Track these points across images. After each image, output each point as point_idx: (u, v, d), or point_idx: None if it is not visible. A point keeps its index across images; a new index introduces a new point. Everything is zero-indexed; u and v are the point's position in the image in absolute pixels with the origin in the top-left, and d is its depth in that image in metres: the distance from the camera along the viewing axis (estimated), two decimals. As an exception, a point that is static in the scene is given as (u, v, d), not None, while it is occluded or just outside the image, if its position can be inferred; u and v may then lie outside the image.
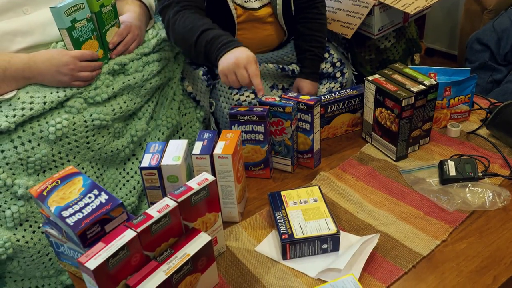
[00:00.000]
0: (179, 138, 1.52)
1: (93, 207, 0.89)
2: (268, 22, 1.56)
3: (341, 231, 1.03)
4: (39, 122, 1.18)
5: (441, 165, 1.22)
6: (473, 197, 1.13)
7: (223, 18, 1.48)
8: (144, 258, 0.87)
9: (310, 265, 1.00)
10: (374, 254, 1.01)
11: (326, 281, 0.95)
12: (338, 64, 1.68)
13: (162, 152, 1.08)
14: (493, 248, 1.01)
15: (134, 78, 1.33)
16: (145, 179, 1.06)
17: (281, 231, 1.02)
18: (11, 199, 1.16)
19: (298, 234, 1.01)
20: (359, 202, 1.17)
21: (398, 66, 1.38)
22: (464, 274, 0.95)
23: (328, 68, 1.66)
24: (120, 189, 1.36)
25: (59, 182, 0.95)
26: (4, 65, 1.14)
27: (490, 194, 1.13)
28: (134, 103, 1.35)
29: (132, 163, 1.40)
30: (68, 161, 1.25)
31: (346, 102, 1.42)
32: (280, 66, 1.61)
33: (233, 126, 1.22)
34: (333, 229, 1.01)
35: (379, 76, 1.34)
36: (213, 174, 1.08)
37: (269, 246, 1.07)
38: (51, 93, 1.20)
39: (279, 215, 1.07)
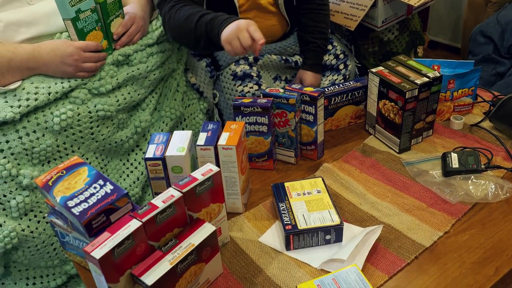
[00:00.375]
0: (183, 129, 1.52)
1: (99, 197, 0.89)
2: (271, 12, 1.55)
3: (344, 222, 1.04)
4: (43, 113, 1.19)
5: (444, 157, 1.22)
6: (475, 189, 1.13)
7: (226, 8, 1.48)
8: (149, 247, 0.88)
9: (313, 256, 1.01)
10: (377, 245, 1.01)
11: (329, 272, 0.95)
12: (341, 56, 1.68)
13: (167, 143, 1.08)
14: (495, 240, 1.01)
15: (138, 69, 1.34)
16: (149, 169, 1.06)
17: (285, 222, 1.03)
18: (16, 189, 1.17)
19: (301, 225, 1.01)
20: (362, 193, 1.18)
21: (402, 58, 1.38)
22: (467, 265, 0.96)
23: (331, 60, 1.66)
24: (124, 180, 1.37)
25: (64, 172, 0.96)
26: (9, 56, 1.14)
27: (493, 186, 1.13)
28: (138, 94, 1.35)
29: (136, 154, 1.40)
30: (73, 151, 1.25)
31: (350, 94, 1.42)
32: (284, 57, 1.61)
33: (237, 118, 1.23)
34: (336, 220, 1.02)
35: (383, 68, 1.34)
36: (217, 165, 1.08)
37: (272, 236, 1.07)
38: (56, 84, 1.21)
39: (282, 206, 1.08)
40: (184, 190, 0.91)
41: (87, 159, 1.29)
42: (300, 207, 1.07)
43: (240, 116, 1.22)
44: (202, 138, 1.08)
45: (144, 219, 0.85)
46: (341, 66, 1.67)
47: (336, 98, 1.41)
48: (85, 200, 0.89)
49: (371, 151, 1.34)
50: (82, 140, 1.26)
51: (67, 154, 1.25)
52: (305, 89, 1.25)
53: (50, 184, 0.93)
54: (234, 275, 0.99)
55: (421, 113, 1.30)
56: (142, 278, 0.83)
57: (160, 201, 0.89)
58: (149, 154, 1.05)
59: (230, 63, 1.56)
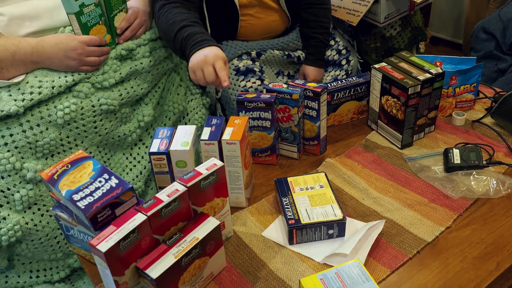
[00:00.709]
0: (185, 123, 1.53)
1: (104, 191, 0.90)
2: (272, 8, 1.56)
3: (347, 217, 1.04)
4: (47, 106, 1.19)
5: (446, 153, 1.23)
6: (477, 184, 1.14)
7: (225, 6, 1.48)
8: (154, 241, 0.89)
9: (316, 250, 1.02)
10: (379, 240, 1.02)
11: (332, 266, 0.96)
12: (343, 51, 1.68)
13: (171, 138, 1.09)
14: (496, 235, 1.02)
15: (141, 63, 1.34)
16: (154, 164, 1.07)
17: (288, 217, 1.03)
18: (20, 183, 1.17)
19: (304, 220, 1.02)
20: (365, 188, 1.19)
21: (404, 54, 1.39)
22: (468, 260, 0.96)
23: (334, 55, 1.67)
24: (127, 173, 1.37)
25: (69, 166, 0.96)
26: (13, 49, 1.14)
27: (494, 182, 1.14)
28: (141, 89, 1.36)
29: (139, 148, 1.41)
30: (76, 145, 1.26)
31: (352, 89, 1.42)
32: (286, 52, 1.61)
33: (240, 113, 1.23)
34: (339, 215, 1.03)
35: (386, 64, 1.34)
36: (221, 159, 1.09)
37: (275, 231, 1.08)
38: (59, 78, 1.21)
39: (285, 200, 1.08)
40: (188, 185, 0.91)
41: (90, 152, 1.29)
42: (303, 202, 1.07)
43: (243, 111, 1.23)
44: (206, 132, 1.09)
45: (149, 213, 0.86)
46: (343, 62, 1.67)
47: (339, 93, 1.41)
48: (91, 194, 0.89)
49: (374, 147, 1.34)
50: (86, 134, 1.26)
51: (70, 148, 1.25)
52: (308, 84, 1.26)
53: (56, 178, 0.94)
54: (238, 269, 1.00)
55: (424, 109, 1.31)
56: (147, 271, 0.84)
57: (165, 195, 0.89)
58: (154, 149, 1.06)
59: (233, 58, 1.56)
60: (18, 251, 1.24)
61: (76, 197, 0.89)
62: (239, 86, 1.51)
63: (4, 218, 1.15)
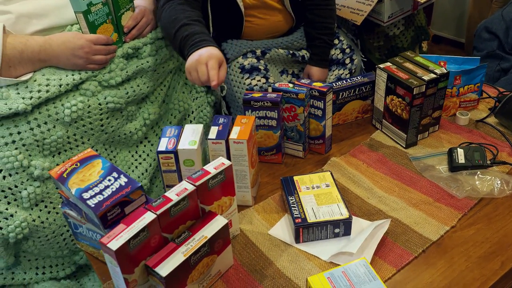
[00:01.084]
0: (190, 122, 1.53)
1: (113, 190, 0.91)
2: (276, 9, 1.56)
3: (352, 216, 1.05)
4: (54, 105, 1.20)
5: (451, 153, 1.24)
6: (482, 184, 1.15)
7: (230, 7, 1.49)
8: (163, 239, 0.90)
9: (322, 249, 1.03)
10: (384, 239, 1.03)
11: (338, 265, 0.97)
12: (347, 50, 1.69)
13: (178, 137, 1.09)
14: (501, 234, 1.03)
15: (147, 62, 1.34)
16: (161, 162, 1.08)
17: (295, 215, 1.04)
18: (27, 180, 1.18)
19: (311, 219, 1.03)
20: (370, 187, 1.19)
21: (409, 54, 1.39)
22: (473, 259, 0.98)
23: (338, 54, 1.67)
24: (133, 171, 1.38)
25: (79, 164, 0.97)
26: (21, 47, 1.15)
27: (499, 181, 1.15)
28: (147, 87, 1.36)
29: (144, 146, 1.42)
30: (83, 143, 1.26)
31: (357, 89, 1.43)
32: (291, 51, 1.62)
33: (246, 112, 1.24)
34: (345, 214, 1.04)
35: (391, 64, 1.35)
36: (228, 158, 1.10)
37: (282, 229, 1.09)
38: (67, 76, 1.21)
39: (292, 199, 1.09)
40: (197, 183, 0.92)
41: (96, 150, 1.30)
42: (309, 201, 1.08)
43: (250, 110, 1.23)
44: (213, 132, 1.10)
45: (158, 212, 0.87)
46: (347, 61, 1.68)
47: (344, 93, 1.42)
48: (100, 193, 0.90)
49: (378, 146, 1.35)
50: (92, 131, 1.27)
51: (77, 146, 1.26)
52: (314, 84, 1.26)
53: (65, 176, 0.95)
54: (245, 267, 1.01)
55: (428, 109, 1.31)
56: (157, 269, 0.85)
57: (174, 194, 0.90)
58: (162, 147, 1.07)
59: (238, 56, 1.57)
60: (24, 248, 1.25)
61: (86, 195, 0.90)
62: (244, 84, 1.52)
63: (12, 215, 1.16)
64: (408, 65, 1.33)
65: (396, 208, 1.12)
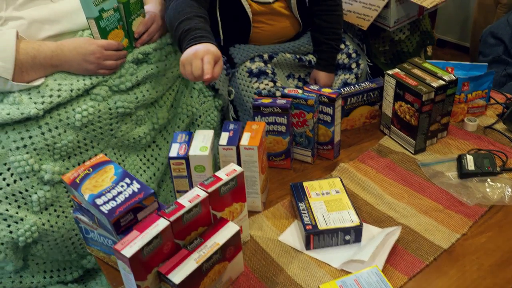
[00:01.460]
0: (198, 126, 1.54)
1: (126, 196, 0.91)
2: (284, 15, 1.57)
3: (363, 223, 1.05)
4: (66, 109, 1.20)
5: (460, 159, 1.24)
6: (492, 191, 1.15)
7: (238, 13, 1.49)
8: (175, 246, 0.90)
9: (333, 256, 1.03)
10: (395, 246, 1.03)
11: (349, 272, 0.97)
12: (353, 55, 1.69)
13: (189, 142, 1.10)
14: (512, 243, 1.03)
15: (157, 67, 1.35)
16: (172, 168, 1.08)
17: (305, 222, 1.04)
18: (37, 184, 1.18)
19: (321, 225, 1.03)
20: (379, 194, 1.20)
21: (417, 60, 1.40)
22: (485, 268, 0.97)
23: (344, 59, 1.68)
24: (141, 175, 1.38)
25: (91, 170, 0.97)
26: (33, 53, 1.15)
27: (509, 189, 1.15)
28: (156, 91, 1.37)
29: (153, 150, 1.42)
30: (92, 147, 1.27)
31: (365, 95, 1.43)
32: (298, 56, 1.63)
33: (256, 117, 1.24)
34: (356, 220, 1.04)
35: (399, 71, 1.35)
36: (239, 164, 1.10)
37: (292, 236, 1.09)
38: (78, 81, 1.22)
39: (302, 206, 1.09)
40: (209, 190, 0.92)
41: (105, 154, 1.30)
42: (319, 207, 1.08)
43: (259, 116, 1.24)
44: (224, 138, 1.10)
45: (171, 218, 0.87)
46: (353, 65, 1.68)
47: (352, 98, 1.42)
48: (113, 199, 0.91)
49: (387, 152, 1.35)
50: (102, 136, 1.27)
51: (87, 150, 1.26)
52: (323, 90, 1.27)
53: (78, 181, 0.95)
54: (256, 274, 1.01)
55: (437, 115, 1.32)
56: (170, 276, 0.85)
57: (186, 201, 0.90)
58: (173, 153, 1.07)
59: (245, 61, 1.57)
60: (33, 252, 1.25)
61: (99, 201, 0.90)
62: (252, 87, 1.52)
63: (22, 219, 1.16)
64: (417, 71, 1.34)
65: (406, 215, 1.12)
